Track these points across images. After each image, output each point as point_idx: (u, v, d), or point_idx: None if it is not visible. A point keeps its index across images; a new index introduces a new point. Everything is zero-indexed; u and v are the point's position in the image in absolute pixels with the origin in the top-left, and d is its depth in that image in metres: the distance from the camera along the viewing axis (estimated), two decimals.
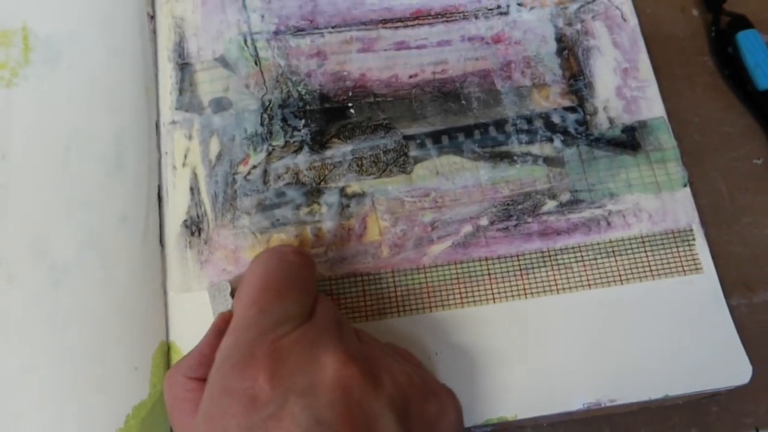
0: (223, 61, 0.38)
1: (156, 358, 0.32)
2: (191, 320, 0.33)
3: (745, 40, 0.39)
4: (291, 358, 0.22)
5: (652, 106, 0.37)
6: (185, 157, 0.36)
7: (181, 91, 0.37)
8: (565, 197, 0.36)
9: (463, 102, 0.38)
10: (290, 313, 0.24)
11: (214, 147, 0.36)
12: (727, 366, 0.32)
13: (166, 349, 0.33)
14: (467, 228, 0.35)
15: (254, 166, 0.36)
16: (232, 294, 0.32)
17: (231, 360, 0.23)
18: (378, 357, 0.25)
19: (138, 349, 0.32)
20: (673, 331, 0.33)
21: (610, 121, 0.37)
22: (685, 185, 0.36)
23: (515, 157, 0.36)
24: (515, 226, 0.35)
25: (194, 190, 0.35)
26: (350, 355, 0.23)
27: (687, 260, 0.34)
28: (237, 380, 0.22)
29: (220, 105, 0.37)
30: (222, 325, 0.26)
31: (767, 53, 0.39)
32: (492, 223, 0.35)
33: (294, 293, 0.25)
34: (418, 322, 0.33)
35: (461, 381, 0.31)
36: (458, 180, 0.36)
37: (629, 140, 0.37)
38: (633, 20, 0.39)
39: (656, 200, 0.35)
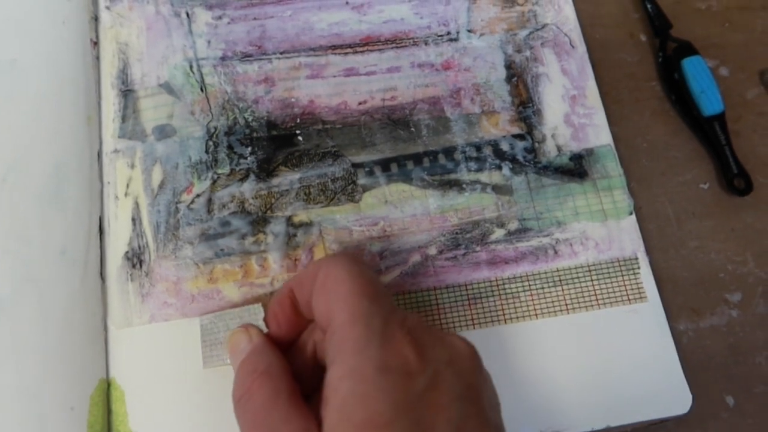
0: (167, 88, 0.37)
1: (95, 396, 0.31)
2: (133, 356, 0.33)
3: (690, 66, 0.40)
4: (422, 336, 0.24)
5: (599, 134, 0.38)
6: (127, 186, 0.35)
7: (124, 119, 0.36)
8: (513, 225, 0.36)
9: (413, 129, 0.37)
10: (391, 301, 0.27)
11: (157, 175, 0.35)
12: (668, 396, 0.32)
13: (106, 386, 0.32)
14: (416, 257, 0.35)
15: (198, 195, 0.35)
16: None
17: (374, 343, 0.23)
18: None
19: (75, 388, 0.31)
20: (617, 360, 0.33)
21: (558, 148, 0.37)
22: (631, 213, 0.36)
23: (464, 185, 0.36)
24: (464, 255, 0.35)
25: (136, 220, 0.34)
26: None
27: (632, 289, 0.34)
28: (390, 359, 0.23)
29: (163, 132, 0.36)
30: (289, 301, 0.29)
31: (711, 79, 0.39)
32: (440, 252, 0.35)
33: (383, 284, 0.28)
34: None
35: None
36: (407, 208, 0.36)
37: (577, 168, 0.37)
38: (581, 47, 0.40)
39: (602, 228, 0.36)
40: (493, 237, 0.35)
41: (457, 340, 0.25)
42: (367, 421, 0.22)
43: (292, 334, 0.29)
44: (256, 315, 0.30)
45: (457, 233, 0.35)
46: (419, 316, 0.29)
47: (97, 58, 0.38)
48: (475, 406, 0.23)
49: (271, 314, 0.29)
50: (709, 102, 0.39)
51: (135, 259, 0.34)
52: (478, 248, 0.35)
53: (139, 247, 0.34)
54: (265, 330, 0.29)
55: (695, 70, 0.39)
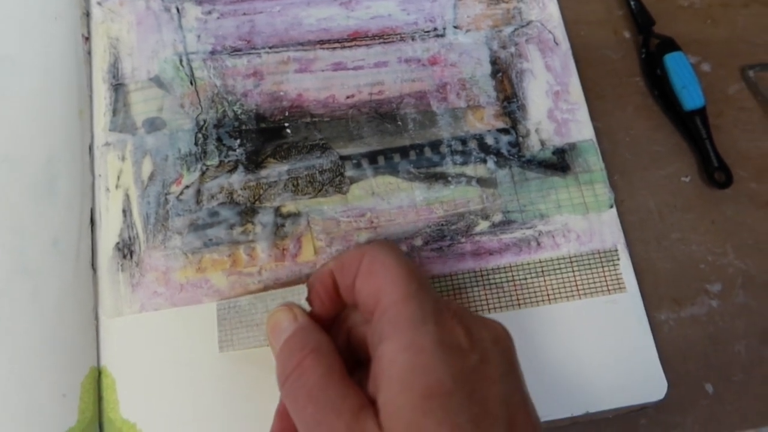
0: (157, 81, 0.37)
1: (86, 384, 0.32)
2: (123, 344, 0.33)
3: (672, 62, 0.40)
4: (467, 318, 0.26)
5: (581, 129, 0.38)
6: (118, 178, 0.36)
7: (114, 112, 0.37)
8: (498, 218, 0.36)
9: (399, 123, 0.38)
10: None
11: (147, 167, 0.36)
12: (645, 383, 0.33)
13: (97, 374, 0.33)
14: (402, 248, 0.35)
15: (187, 186, 0.35)
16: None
17: (430, 320, 0.25)
18: None
19: (67, 375, 0.32)
20: (596, 349, 0.33)
21: (542, 143, 0.38)
22: (612, 206, 0.37)
23: (449, 178, 0.37)
24: (449, 246, 0.36)
25: (126, 212, 0.35)
26: None
27: (611, 280, 0.35)
28: (445, 335, 0.24)
29: (153, 125, 0.37)
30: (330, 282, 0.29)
31: (693, 75, 0.40)
32: (426, 243, 0.36)
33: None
34: None
35: None
36: (393, 200, 0.36)
37: (559, 162, 0.38)
38: (565, 44, 0.41)
39: (584, 221, 0.36)
40: (477, 229, 0.36)
41: (495, 324, 0.27)
42: (429, 390, 0.23)
43: (332, 316, 0.30)
44: (299, 295, 0.30)
45: (442, 225, 0.36)
46: (458, 303, 0.31)
47: (89, 53, 0.38)
48: (517, 381, 0.25)
49: (314, 294, 0.29)
50: (690, 97, 0.40)
51: (125, 249, 0.34)
52: (463, 240, 0.36)
53: (130, 238, 0.35)
54: (308, 309, 0.29)
55: (677, 66, 0.40)
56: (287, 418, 0.27)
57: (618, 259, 0.36)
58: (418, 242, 0.36)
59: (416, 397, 0.23)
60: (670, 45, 0.41)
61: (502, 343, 0.26)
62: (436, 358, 0.24)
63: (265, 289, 0.34)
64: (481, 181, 0.37)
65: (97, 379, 0.33)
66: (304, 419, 0.25)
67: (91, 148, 0.36)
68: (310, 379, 0.25)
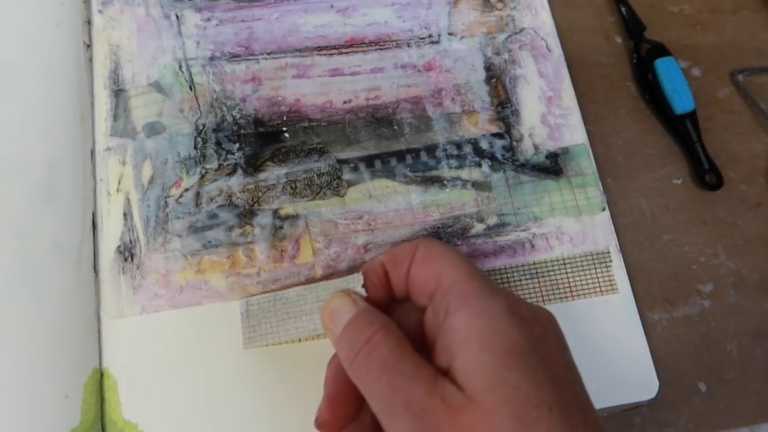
0: (157, 86, 0.38)
1: (88, 385, 0.32)
2: (125, 346, 0.33)
3: (663, 66, 0.41)
4: (520, 298, 0.27)
5: (574, 133, 0.39)
6: (119, 182, 0.36)
7: (115, 118, 0.37)
8: (493, 220, 0.37)
9: (396, 127, 0.39)
10: None
11: (147, 171, 0.36)
12: (637, 382, 0.34)
13: (99, 376, 0.33)
14: None
15: (186, 189, 0.36)
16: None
17: (495, 293, 0.27)
18: None
19: (69, 376, 0.32)
20: (589, 349, 0.34)
21: (535, 147, 0.39)
22: (604, 209, 0.38)
23: (445, 182, 0.38)
24: None
25: (127, 215, 0.36)
26: None
27: (604, 281, 0.36)
28: (512, 306, 0.26)
29: (153, 129, 0.37)
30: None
31: (683, 79, 0.41)
32: None
33: None
34: None
35: None
36: (390, 203, 0.37)
37: (552, 166, 0.38)
38: (557, 50, 0.41)
39: (577, 223, 0.37)
40: (473, 231, 0.37)
41: (543, 308, 0.28)
42: (508, 349, 0.24)
43: (384, 305, 0.30)
44: (355, 283, 0.30)
45: (438, 228, 0.37)
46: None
47: (90, 60, 0.39)
48: (571, 357, 0.27)
49: (369, 282, 0.30)
50: (681, 101, 0.40)
51: (126, 252, 0.35)
52: (458, 242, 0.36)
53: (131, 241, 0.35)
54: (365, 295, 0.30)
55: (667, 71, 0.41)
56: (342, 390, 0.28)
57: (610, 261, 0.36)
58: None
59: (497, 354, 0.24)
60: (660, 50, 0.42)
61: (554, 323, 0.27)
62: (509, 322, 0.25)
63: (264, 289, 0.34)
64: (476, 185, 0.38)
65: (99, 380, 0.33)
66: (378, 390, 0.25)
67: (92, 153, 0.37)
68: (383, 352, 0.26)
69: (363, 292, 0.30)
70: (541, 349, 0.25)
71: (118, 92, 0.38)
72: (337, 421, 0.28)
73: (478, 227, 0.37)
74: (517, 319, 0.26)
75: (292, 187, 0.37)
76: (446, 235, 0.37)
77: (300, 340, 0.34)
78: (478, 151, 0.38)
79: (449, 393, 0.24)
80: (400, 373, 0.25)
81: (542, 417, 0.23)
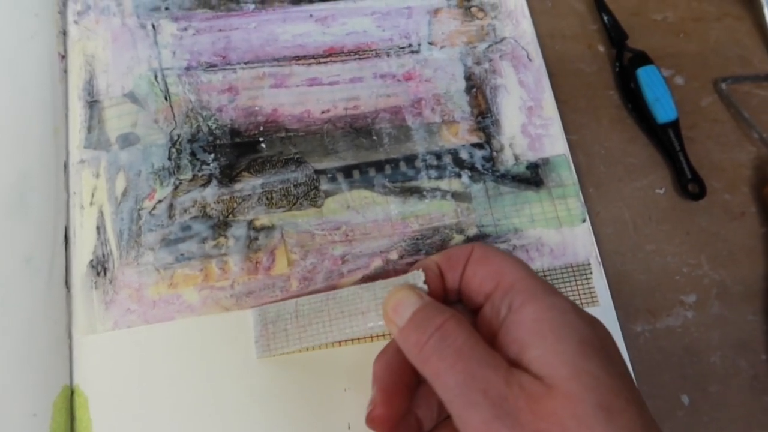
0: (132, 97, 0.38)
1: (58, 403, 0.32)
2: (96, 363, 0.33)
3: (645, 75, 0.41)
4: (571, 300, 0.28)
5: (555, 144, 0.39)
6: (92, 195, 0.36)
7: (89, 129, 0.37)
8: (472, 231, 0.37)
9: (375, 137, 0.38)
10: None
11: (121, 184, 0.36)
12: None
13: (70, 393, 0.32)
14: (377, 262, 0.36)
15: (160, 201, 0.35)
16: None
17: (557, 292, 0.27)
18: None
19: (38, 394, 0.31)
20: None
21: (516, 157, 0.38)
22: (584, 221, 0.37)
23: (425, 192, 0.37)
24: None
25: (101, 228, 0.35)
26: None
27: (585, 293, 0.35)
28: (576, 307, 0.27)
29: (127, 140, 0.37)
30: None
31: (665, 88, 0.41)
32: (401, 257, 0.36)
33: None
34: (328, 356, 0.33)
35: None
36: (369, 214, 0.36)
37: (533, 177, 0.38)
38: (538, 60, 0.41)
39: (557, 235, 0.36)
40: (452, 243, 0.36)
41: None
42: (582, 342, 0.25)
43: (441, 300, 0.30)
44: (416, 279, 0.30)
45: (417, 239, 0.36)
46: None
47: (65, 71, 0.38)
48: (621, 355, 0.27)
49: (428, 278, 0.30)
50: (663, 110, 0.40)
51: (99, 267, 0.34)
52: None
53: (104, 255, 0.34)
54: (427, 290, 0.29)
55: (649, 79, 0.41)
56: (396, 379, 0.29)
57: (590, 273, 0.36)
58: (394, 256, 0.36)
59: (574, 345, 0.24)
60: (642, 59, 0.42)
61: (605, 328, 0.27)
62: (578, 317, 0.26)
63: (239, 302, 0.34)
64: (456, 196, 0.37)
65: (69, 398, 0.32)
66: (453, 378, 0.25)
67: (66, 166, 0.36)
68: (457, 339, 0.25)
69: (425, 288, 0.29)
70: (607, 347, 0.25)
71: (93, 103, 0.37)
72: (394, 415, 0.28)
73: (458, 238, 0.36)
74: (584, 316, 0.26)
75: (268, 198, 0.36)
76: (425, 246, 0.36)
77: (307, 350, 0.33)
78: (458, 162, 0.38)
79: (526, 381, 0.24)
80: (477, 360, 0.25)
81: (624, 408, 0.23)
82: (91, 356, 0.33)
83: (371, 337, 0.34)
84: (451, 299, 0.30)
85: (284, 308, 0.32)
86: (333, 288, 0.34)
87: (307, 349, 0.33)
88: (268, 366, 0.33)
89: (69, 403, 0.32)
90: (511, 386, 0.24)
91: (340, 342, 0.33)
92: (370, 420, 0.28)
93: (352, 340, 0.34)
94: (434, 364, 0.25)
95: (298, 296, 0.33)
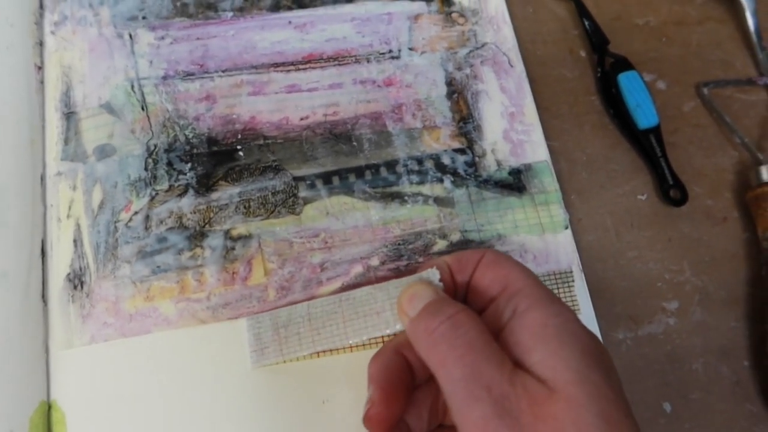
0: (108, 108, 0.37)
1: (34, 419, 0.31)
2: (74, 377, 0.32)
3: (626, 81, 0.41)
4: None
5: (536, 150, 0.38)
6: (69, 208, 0.35)
7: (66, 141, 0.36)
8: (456, 237, 0.36)
9: (355, 143, 0.38)
10: None
11: (97, 196, 0.35)
12: None
13: (47, 408, 0.32)
14: (357, 268, 0.35)
15: (136, 212, 0.35)
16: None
17: (563, 303, 0.27)
18: None
19: (14, 410, 0.31)
20: None
21: (498, 163, 0.38)
22: (567, 228, 0.37)
23: (406, 197, 0.37)
24: (406, 266, 0.36)
25: (77, 241, 0.35)
26: None
27: (566, 301, 0.35)
28: (579, 319, 0.27)
29: (104, 152, 0.36)
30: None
31: (647, 93, 0.40)
32: (383, 263, 0.36)
33: None
34: (306, 367, 0.33)
35: (352, 430, 0.31)
36: (349, 220, 0.36)
37: (515, 182, 0.38)
38: (519, 66, 0.41)
39: (540, 242, 0.36)
40: (435, 248, 0.36)
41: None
42: (586, 351, 0.25)
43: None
44: (432, 277, 0.30)
45: (399, 244, 0.36)
46: None
47: (42, 82, 0.38)
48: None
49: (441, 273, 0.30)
50: (644, 115, 0.40)
51: (76, 280, 0.34)
52: (420, 259, 0.36)
53: (80, 269, 0.34)
54: (443, 288, 0.29)
55: (630, 85, 0.41)
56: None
57: (573, 281, 0.36)
58: (375, 262, 0.35)
59: (578, 352, 0.25)
60: (623, 64, 0.42)
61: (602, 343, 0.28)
62: (581, 328, 0.26)
63: (215, 314, 0.33)
64: (438, 201, 0.37)
65: (46, 413, 0.32)
66: (459, 370, 0.25)
67: (42, 178, 0.36)
68: (469, 332, 0.26)
69: (441, 285, 0.29)
70: (606, 361, 0.26)
71: (70, 115, 0.37)
72: (390, 417, 0.28)
73: (441, 244, 0.36)
74: (586, 329, 0.26)
75: (245, 207, 0.36)
76: (407, 251, 0.36)
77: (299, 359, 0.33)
78: (440, 167, 0.38)
79: (530, 383, 0.24)
80: (486, 355, 0.25)
81: (622, 421, 0.24)
82: (69, 371, 0.32)
83: (350, 348, 0.33)
84: (457, 300, 0.30)
85: (296, 312, 0.32)
86: (312, 297, 0.34)
87: (318, 355, 0.33)
88: (246, 379, 0.32)
89: (46, 418, 0.32)
90: (515, 386, 0.24)
91: (319, 353, 0.33)
92: (367, 419, 0.28)
93: (330, 351, 0.33)
94: (442, 352, 0.26)
95: (275, 307, 0.33)
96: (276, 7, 0.41)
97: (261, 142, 0.37)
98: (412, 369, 0.30)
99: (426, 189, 0.37)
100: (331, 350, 0.33)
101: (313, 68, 0.40)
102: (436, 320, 0.26)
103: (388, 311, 0.30)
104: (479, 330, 0.26)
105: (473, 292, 0.30)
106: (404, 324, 0.28)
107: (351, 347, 0.33)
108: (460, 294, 0.30)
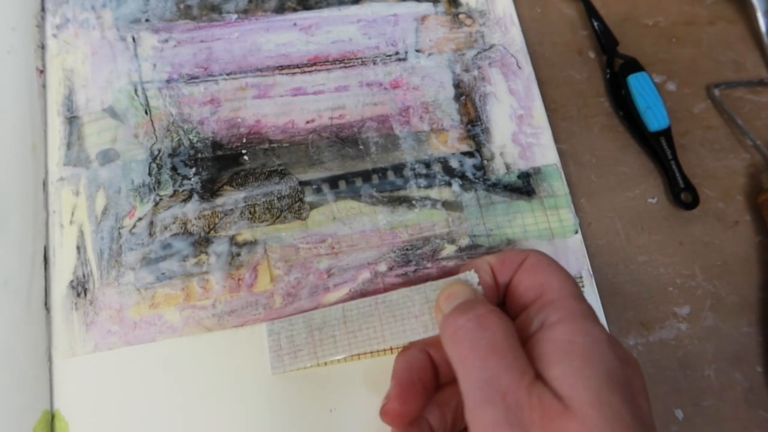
0: (111, 112, 0.37)
1: (38, 429, 0.31)
2: (77, 386, 0.32)
3: (636, 82, 0.40)
4: (611, 334, 0.28)
5: (545, 153, 0.38)
6: (72, 214, 0.35)
7: (69, 146, 0.36)
8: (464, 242, 0.36)
9: (361, 147, 0.37)
10: None
11: (101, 201, 0.35)
12: None
13: (50, 418, 0.32)
14: (365, 274, 0.35)
15: (140, 218, 0.35)
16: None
17: (597, 321, 0.27)
18: None
19: (18, 420, 0.30)
20: None
21: (507, 166, 0.37)
22: (577, 232, 0.36)
23: (414, 201, 0.36)
24: (414, 271, 0.35)
25: (80, 248, 0.34)
26: None
27: None
28: (610, 337, 0.26)
29: (107, 157, 0.36)
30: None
31: (657, 95, 0.40)
32: (390, 268, 0.35)
33: None
34: (314, 376, 0.33)
35: None
36: (356, 225, 0.36)
37: (525, 186, 0.37)
38: (528, 68, 0.40)
39: (550, 246, 0.36)
40: (444, 253, 0.35)
41: (631, 354, 0.29)
42: (610, 375, 0.24)
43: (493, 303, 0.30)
44: (470, 279, 0.30)
45: (407, 249, 0.35)
46: None
47: (44, 86, 0.37)
48: (650, 405, 0.27)
49: (481, 279, 0.30)
50: (655, 117, 0.39)
51: (80, 287, 0.33)
52: (429, 264, 0.35)
53: (84, 276, 0.34)
54: (482, 291, 0.29)
55: (641, 87, 0.40)
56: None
57: (583, 286, 0.35)
58: (383, 268, 0.35)
59: (601, 374, 0.24)
60: (633, 65, 0.41)
61: (640, 369, 0.28)
62: (611, 350, 0.25)
63: (220, 322, 0.33)
64: (447, 205, 0.36)
65: (50, 423, 0.32)
66: (479, 371, 0.25)
67: (45, 184, 0.35)
68: (496, 334, 0.25)
69: (480, 289, 0.29)
70: (631, 388, 0.25)
71: (72, 119, 0.37)
72: (405, 413, 0.28)
73: (450, 248, 0.36)
74: (618, 352, 0.26)
75: (250, 212, 0.35)
76: (415, 257, 0.35)
77: (319, 365, 0.33)
78: (448, 170, 0.37)
79: (546, 396, 0.24)
80: (509, 360, 0.25)
81: None
82: (72, 380, 0.32)
83: (358, 356, 0.33)
84: (495, 302, 0.30)
85: (330, 314, 0.32)
86: (318, 304, 0.34)
87: (325, 363, 0.33)
88: (252, 387, 0.32)
89: (49, 428, 0.31)
90: (531, 396, 0.24)
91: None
92: (383, 413, 0.28)
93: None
94: (465, 350, 0.25)
95: (280, 315, 0.33)
96: (281, 9, 0.40)
97: (266, 146, 0.37)
98: (437, 368, 0.30)
99: (434, 193, 0.37)
100: (338, 359, 0.33)
101: (319, 71, 0.39)
102: (464, 317, 0.26)
103: (427, 314, 0.30)
104: (506, 333, 0.25)
105: (511, 296, 0.29)
106: (438, 322, 0.28)
107: (358, 355, 0.33)
108: (500, 296, 0.30)
